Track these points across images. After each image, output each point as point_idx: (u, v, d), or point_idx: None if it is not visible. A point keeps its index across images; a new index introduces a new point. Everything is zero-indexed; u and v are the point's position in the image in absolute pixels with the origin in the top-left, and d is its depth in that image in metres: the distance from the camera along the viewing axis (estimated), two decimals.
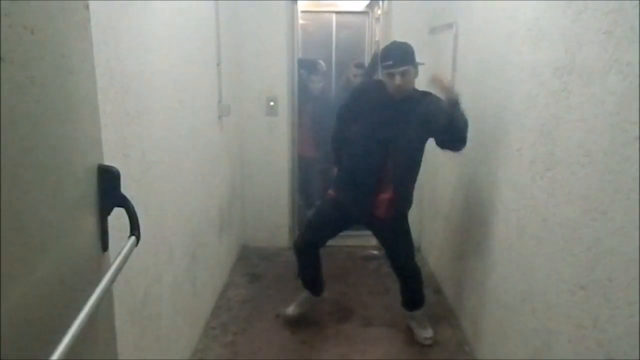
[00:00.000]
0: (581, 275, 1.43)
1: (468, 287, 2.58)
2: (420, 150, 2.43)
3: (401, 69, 2.25)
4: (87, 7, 0.97)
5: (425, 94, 2.38)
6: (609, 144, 1.30)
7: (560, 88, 1.56)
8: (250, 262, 3.59)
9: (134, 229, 1.07)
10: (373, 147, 2.41)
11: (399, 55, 2.28)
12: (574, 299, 1.47)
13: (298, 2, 3.70)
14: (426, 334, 2.60)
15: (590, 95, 1.39)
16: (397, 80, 2.25)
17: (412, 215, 2.67)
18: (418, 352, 2.53)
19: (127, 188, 1.50)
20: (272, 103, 3.62)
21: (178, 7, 2.09)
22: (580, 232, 1.44)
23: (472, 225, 2.51)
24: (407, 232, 2.58)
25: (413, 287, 2.65)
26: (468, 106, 2.60)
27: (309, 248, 2.66)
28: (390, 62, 2.26)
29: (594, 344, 1.36)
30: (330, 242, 2.72)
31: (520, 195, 1.88)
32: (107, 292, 1.15)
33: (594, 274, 1.36)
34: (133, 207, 1.08)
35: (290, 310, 2.77)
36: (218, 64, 2.84)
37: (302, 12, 5.03)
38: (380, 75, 2.38)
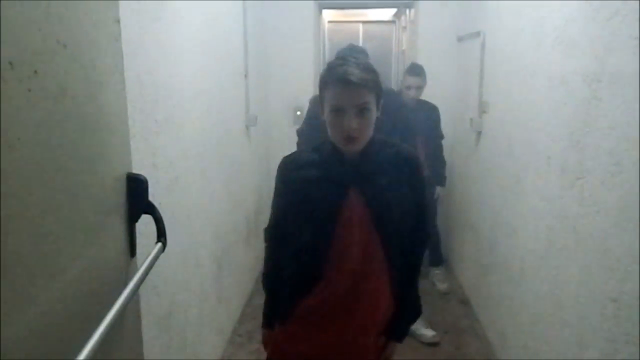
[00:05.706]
0: (613, 288, 1.38)
1: (495, 298, 2.53)
2: None
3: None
4: (117, 21, 1.01)
5: None
6: None
7: (590, 95, 1.53)
8: None
9: (161, 235, 1.10)
10: None
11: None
12: (605, 312, 1.42)
13: (325, 11, 3.73)
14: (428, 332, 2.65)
15: (621, 102, 1.36)
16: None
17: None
18: None
19: (155, 196, 1.55)
20: (298, 112, 3.65)
21: (206, 19, 2.15)
22: (611, 243, 1.40)
23: (499, 235, 2.46)
24: None
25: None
26: (496, 115, 2.58)
27: None
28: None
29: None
30: None
31: (550, 205, 1.84)
32: (134, 297, 1.19)
33: (626, 287, 1.32)
34: (160, 214, 1.11)
35: None
36: (245, 75, 2.89)
37: (329, 22, 5.06)
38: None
